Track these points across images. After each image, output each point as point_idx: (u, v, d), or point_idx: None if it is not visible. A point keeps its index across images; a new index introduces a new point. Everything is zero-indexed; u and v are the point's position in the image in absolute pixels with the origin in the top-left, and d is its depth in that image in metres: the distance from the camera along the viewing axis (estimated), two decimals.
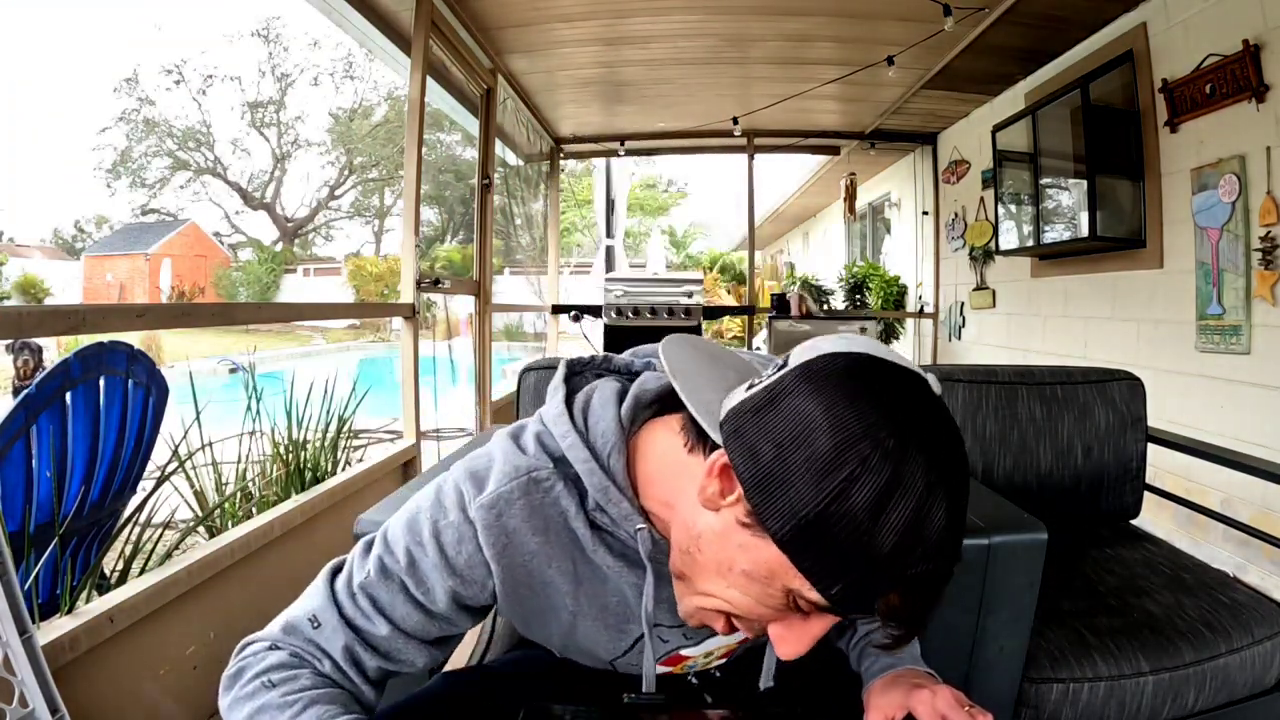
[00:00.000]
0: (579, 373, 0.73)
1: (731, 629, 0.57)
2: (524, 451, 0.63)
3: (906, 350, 5.80)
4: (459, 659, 1.06)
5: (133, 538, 1.61)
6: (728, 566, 0.53)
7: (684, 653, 0.71)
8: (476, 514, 0.61)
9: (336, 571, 0.66)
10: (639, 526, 0.61)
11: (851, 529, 0.46)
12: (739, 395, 0.54)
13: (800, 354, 0.53)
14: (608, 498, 0.60)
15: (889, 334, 5.76)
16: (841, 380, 0.49)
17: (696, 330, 4.27)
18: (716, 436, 0.53)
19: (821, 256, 9.82)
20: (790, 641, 0.54)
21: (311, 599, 0.64)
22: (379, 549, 0.64)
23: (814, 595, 0.50)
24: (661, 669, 0.72)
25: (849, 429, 0.46)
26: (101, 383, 1.58)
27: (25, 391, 1.43)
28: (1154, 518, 2.20)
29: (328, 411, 2.29)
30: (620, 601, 0.65)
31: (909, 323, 5.72)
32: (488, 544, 0.61)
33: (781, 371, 0.52)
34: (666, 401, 0.64)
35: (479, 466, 0.64)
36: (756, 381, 0.54)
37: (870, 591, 0.48)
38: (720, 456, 0.52)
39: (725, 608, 0.55)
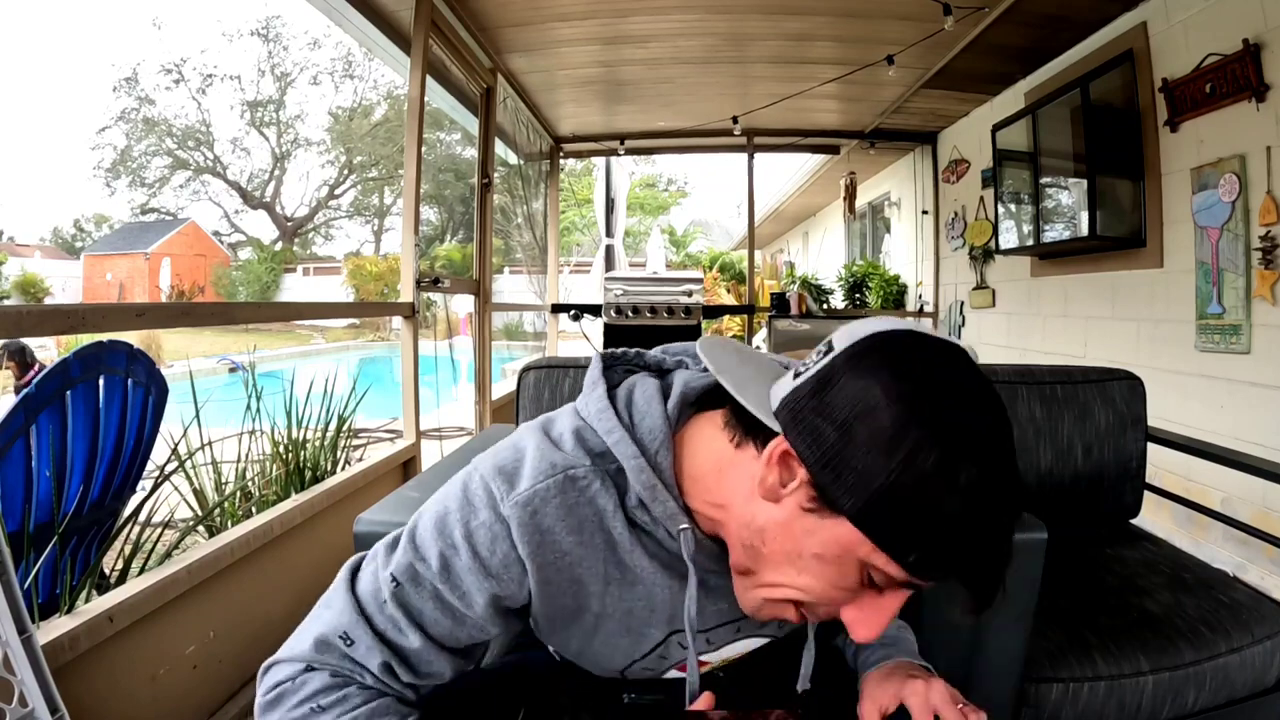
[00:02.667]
0: (611, 366, 0.71)
1: (802, 618, 0.58)
2: (559, 447, 0.61)
3: None
4: None
5: (132, 537, 1.61)
6: (797, 554, 0.54)
7: (704, 658, 0.70)
8: (510, 512, 0.58)
9: (356, 574, 0.64)
10: (683, 526, 0.59)
11: (923, 494, 0.48)
12: (788, 385, 0.55)
13: (844, 338, 0.54)
14: (654, 496, 0.59)
15: None
16: (894, 357, 0.51)
17: (696, 330, 4.28)
18: (774, 425, 0.54)
19: (821, 256, 9.82)
20: (867, 623, 0.54)
21: (338, 612, 0.61)
22: (407, 554, 0.60)
23: (891, 568, 0.51)
24: (674, 674, 0.71)
25: (909, 401, 0.48)
26: (101, 382, 1.58)
27: (25, 391, 1.43)
28: (1154, 517, 2.20)
29: (327, 411, 2.29)
30: (646, 606, 0.63)
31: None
32: (522, 541, 0.58)
33: (829, 357, 0.53)
34: (706, 400, 0.64)
35: (507, 462, 0.61)
36: (802, 370, 0.55)
37: (946, 554, 0.50)
38: (779, 445, 0.53)
39: (796, 596, 0.55)
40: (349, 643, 0.59)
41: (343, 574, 0.64)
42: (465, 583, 0.59)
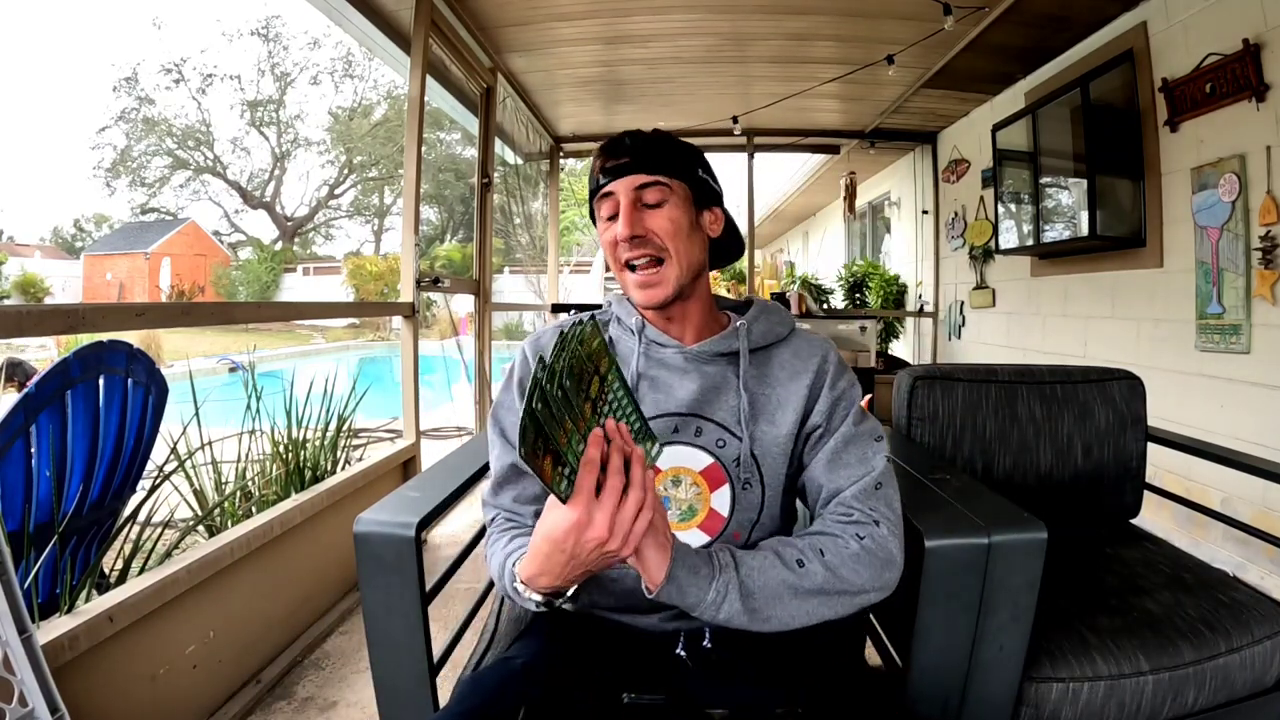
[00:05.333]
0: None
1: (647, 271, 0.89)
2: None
3: (906, 349, 5.80)
4: (460, 656, 1.06)
5: (132, 537, 1.61)
6: (602, 237, 0.93)
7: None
8: (526, 342, 0.99)
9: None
10: (635, 317, 0.94)
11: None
12: None
13: None
14: (624, 308, 0.97)
15: (889, 333, 5.76)
16: None
17: None
18: None
19: (821, 255, 9.82)
20: (622, 222, 0.87)
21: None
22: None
23: (597, 198, 0.91)
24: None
25: None
26: (101, 382, 1.58)
27: (25, 391, 1.43)
28: (1154, 517, 2.20)
29: (327, 411, 2.29)
30: None
31: (909, 321, 5.72)
32: (527, 347, 0.98)
33: None
34: None
35: None
36: None
37: (616, 148, 0.89)
38: None
39: (614, 238, 0.89)
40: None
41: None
42: (500, 416, 0.95)
